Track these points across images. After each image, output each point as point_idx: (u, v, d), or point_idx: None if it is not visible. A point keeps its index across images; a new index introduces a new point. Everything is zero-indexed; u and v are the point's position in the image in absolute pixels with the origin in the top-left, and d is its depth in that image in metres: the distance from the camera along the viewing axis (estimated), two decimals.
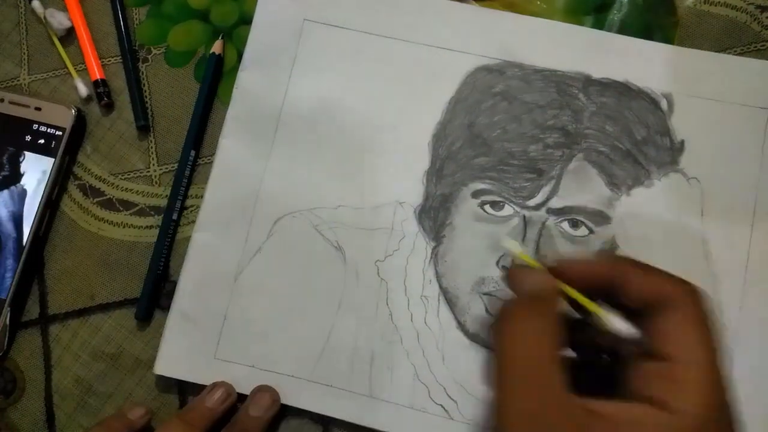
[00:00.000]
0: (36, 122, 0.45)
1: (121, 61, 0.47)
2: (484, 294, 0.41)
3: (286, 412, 0.41)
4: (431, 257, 0.42)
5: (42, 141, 0.45)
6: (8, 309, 0.43)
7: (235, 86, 0.44)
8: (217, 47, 0.45)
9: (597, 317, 0.29)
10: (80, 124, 0.46)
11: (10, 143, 0.45)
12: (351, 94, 0.44)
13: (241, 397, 0.41)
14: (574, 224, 0.41)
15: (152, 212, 0.45)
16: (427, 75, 0.44)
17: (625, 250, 0.41)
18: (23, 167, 0.45)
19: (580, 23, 0.44)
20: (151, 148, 0.46)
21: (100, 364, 0.43)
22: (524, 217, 0.41)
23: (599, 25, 0.44)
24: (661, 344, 0.27)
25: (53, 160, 0.45)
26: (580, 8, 0.45)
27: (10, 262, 0.44)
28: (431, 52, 0.44)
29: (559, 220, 0.41)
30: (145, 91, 0.46)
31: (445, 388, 0.40)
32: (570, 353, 0.32)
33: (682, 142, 0.42)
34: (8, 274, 0.44)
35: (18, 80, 0.48)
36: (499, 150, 0.42)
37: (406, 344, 0.41)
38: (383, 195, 0.43)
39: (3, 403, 0.43)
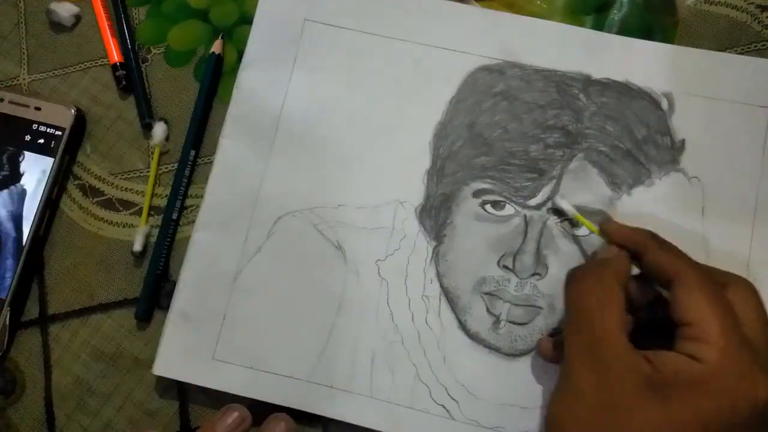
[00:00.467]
0: (36, 122, 0.45)
1: None
2: (485, 294, 0.41)
3: (286, 413, 0.40)
4: (432, 257, 0.42)
5: (42, 141, 0.45)
6: (8, 309, 0.43)
7: (235, 86, 0.44)
8: (216, 47, 0.45)
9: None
10: (80, 123, 0.46)
11: (10, 143, 0.45)
12: (352, 93, 0.44)
13: (239, 400, 0.40)
14: (575, 224, 0.41)
15: (152, 212, 0.45)
16: (428, 75, 0.44)
17: None
18: (23, 167, 0.45)
19: (580, 23, 0.45)
20: (151, 147, 0.45)
21: (100, 364, 0.43)
22: (525, 216, 0.41)
23: (599, 25, 0.44)
24: (680, 313, 0.33)
25: (53, 159, 0.45)
26: (580, 8, 0.45)
27: (9, 262, 0.44)
28: (432, 52, 0.44)
29: (560, 219, 0.41)
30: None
31: (446, 388, 0.40)
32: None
33: (683, 142, 0.42)
34: (8, 274, 0.43)
35: (18, 80, 0.48)
36: (499, 150, 0.42)
37: (407, 344, 0.41)
38: (384, 194, 0.42)
39: (3, 403, 0.43)
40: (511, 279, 0.41)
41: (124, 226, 0.45)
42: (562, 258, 0.41)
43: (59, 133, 0.45)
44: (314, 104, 0.44)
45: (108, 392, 0.42)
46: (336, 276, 0.42)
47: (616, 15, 0.44)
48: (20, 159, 0.45)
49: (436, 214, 0.42)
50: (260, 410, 0.39)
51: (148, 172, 0.45)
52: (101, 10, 0.47)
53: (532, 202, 0.41)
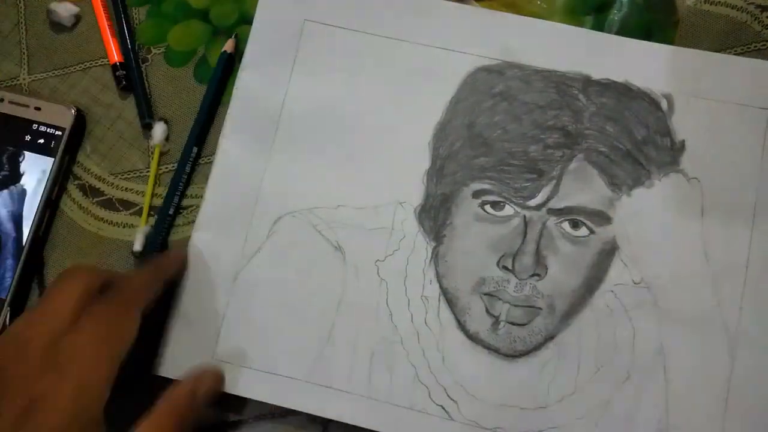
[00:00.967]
0: (36, 122, 0.45)
1: None
2: (485, 294, 0.41)
3: (285, 413, 0.40)
4: (431, 257, 0.42)
5: (42, 141, 0.45)
6: (8, 309, 0.43)
7: (235, 86, 0.44)
8: (228, 46, 0.45)
9: None
10: (80, 123, 0.46)
11: (10, 143, 0.45)
12: (351, 94, 0.44)
13: (239, 399, 0.40)
14: (575, 225, 0.41)
15: (152, 212, 0.45)
16: (427, 75, 0.44)
17: (626, 250, 0.41)
18: (23, 167, 0.45)
19: (580, 23, 0.44)
20: (151, 147, 0.45)
21: None
22: (525, 217, 0.41)
23: (599, 25, 0.44)
24: None
25: (53, 159, 0.45)
26: (580, 8, 0.45)
27: (9, 262, 0.44)
28: (431, 52, 0.44)
29: (560, 220, 0.41)
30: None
31: (445, 389, 0.40)
32: None
33: (683, 143, 0.42)
34: (8, 274, 0.44)
35: (18, 80, 0.48)
36: (499, 150, 0.42)
37: (406, 345, 0.41)
38: (383, 195, 0.42)
39: None
40: (510, 280, 0.41)
41: (124, 226, 0.45)
42: (562, 259, 0.41)
43: (59, 133, 0.45)
44: (314, 104, 0.44)
45: None
46: (335, 276, 0.42)
47: (616, 15, 0.44)
48: (20, 159, 0.45)
49: (435, 214, 0.42)
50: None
51: (148, 172, 0.45)
52: (101, 10, 0.47)
53: (532, 202, 0.41)
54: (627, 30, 0.44)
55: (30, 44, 0.48)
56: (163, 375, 0.41)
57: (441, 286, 0.41)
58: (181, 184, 0.44)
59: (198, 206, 0.44)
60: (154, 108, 0.46)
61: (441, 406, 0.40)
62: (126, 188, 0.45)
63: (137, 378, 0.39)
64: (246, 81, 0.44)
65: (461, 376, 0.40)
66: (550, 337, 0.40)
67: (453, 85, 0.43)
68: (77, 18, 0.48)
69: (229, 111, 0.44)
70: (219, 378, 0.40)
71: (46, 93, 0.47)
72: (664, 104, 0.42)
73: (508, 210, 0.41)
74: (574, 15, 0.45)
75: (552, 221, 0.41)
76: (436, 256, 0.42)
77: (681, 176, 0.41)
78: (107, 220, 0.45)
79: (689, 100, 0.42)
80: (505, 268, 0.41)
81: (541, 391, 0.40)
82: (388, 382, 0.40)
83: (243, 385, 0.40)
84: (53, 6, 0.47)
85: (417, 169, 0.43)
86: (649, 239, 0.41)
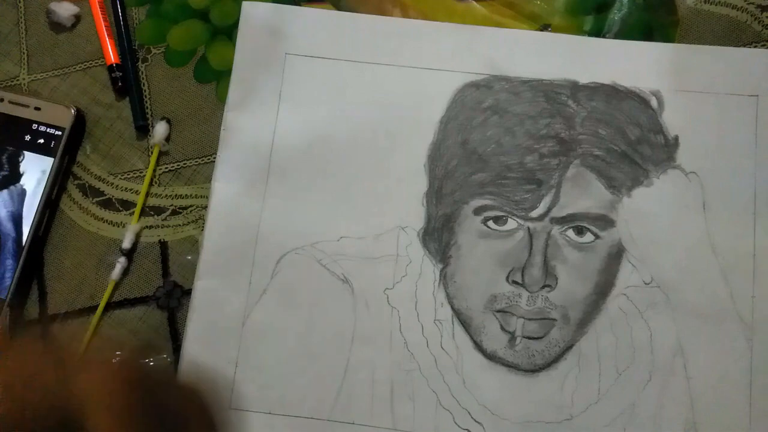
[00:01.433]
0: (35, 122, 0.45)
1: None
2: (498, 311, 0.40)
3: None
4: (440, 280, 0.41)
5: (41, 141, 0.45)
6: (8, 309, 0.43)
7: (222, 128, 0.44)
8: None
9: None
10: (80, 123, 0.46)
11: (10, 143, 0.45)
12: (340, 123, 0.43)
13: None
14: (579, 231, 0.41)
15: (152, 212, 0.45)
16: (415, 97, 0.43)
17: (632, 251, 0.41)
18: (23, 167, 0.45)
19: (580, 23, 0.44)
20: (150, 147, 0.45)
21: None
22: (529, 229, 0.41)
23: (599, 24, 0.44)
24: None
25: (53, 159, 0.45)
26: (580, 8, 0.45)
27: (9, 262, 0.43)
28: (417, 73, 0.44)
29: (564, 228, 0.41)
30: (145, 91, 0.46)
31: (469, 412, 0.39)
32: None
33: (676, 138, 0.42)
34: (8, 274, 0.43)
35: (17, 80, 0.47)
36: (495, 164, 0.42)
37: (425, 371, 0.40)
38: (384, 222, 0.42)
39: None
40: (521, 294, 0.40)
41: (123, 226, 0.45)
42: (571, 267, 0.40)
43: (59, 133, 0.45)
44: (304, 138, 0.43)
45: None
46: (345, 310, 0.41)
47: (616, 15, 0.44)
48: (20, 159, 0.45)
49: (439, 236, 0.42)
50: None
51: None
52: (98, 11, 0.47)
53: (534, 213, 0.41)
54: (627, 30, 0.44)
55: (30, 44, 0.48)
56: None
57: (453, 308, 0.41)
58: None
59: (197, 206, 0.44)
60: (153, 108, 0.46)
61: (467, 429, 0.39)
62: (125, 188, 0.45)
63: None
64: (233, 122, 0.44)
65: (483, 397, 0.40)
66: (568, 348, 0.40)
67: (442, 105, 0.43)
68: (77, 18, 0.48)
69: (218, 154, 0.43)
70: None
71: (46, 93, 0.47)
72: (653, 102, 0.42)
73: (511, 223, 0.41)
74: (574, 15, 0.45)
75: (556, 230, 0.41)
76: (444, 278, 0.41)
77: (679, 172, 0.41)
78: (107, 220, 0.45)
79: (678, 95, 0.42)
80: (515, 282, 0.40)
81: (565, 402, 0.39)
82: (410, 412, 0.40)
83: (265, 431, 0.40)
84: (53, 6, 0.47)
85: (415, 192, 0.42)
86: (654, 238, 0.41)
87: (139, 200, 0.45)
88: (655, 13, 0.44)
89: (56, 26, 0.48)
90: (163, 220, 0.45)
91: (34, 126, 0.45)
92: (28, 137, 0.45)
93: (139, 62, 0.47)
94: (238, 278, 0.42)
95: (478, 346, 0.40)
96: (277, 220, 0.42)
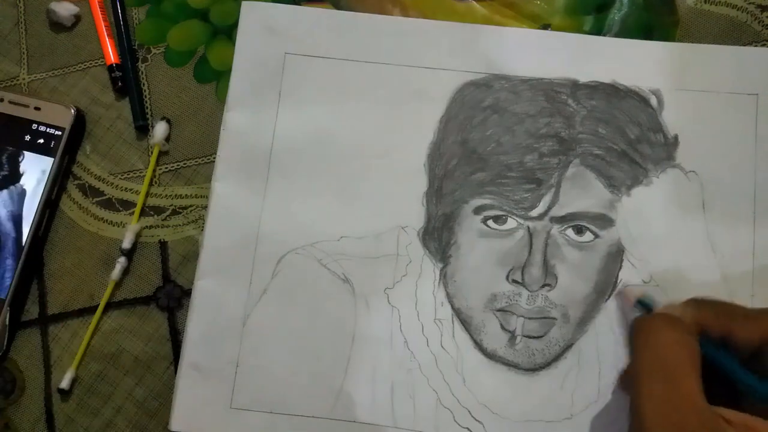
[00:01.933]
0: (35, 122, 0.45)
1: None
2: (498, 310, 0.40)
3: None
4: (440, 279, 0.41)
5: (41, 141, 0.45)
6: (8, 309, 0.43)
7: (222, 128, 0.44)
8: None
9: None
10: (80, 123, 0.46)
11: (10, 143, 0.45)
12: (340, 123, 0.43)
13: None
14: (579, 230, 0.41)
15: (152, 212, 0.45)
16: (415, 96, 0.43)
17: (632, 250, 0.41)
18: (23, 167, 0.45)
19: (580, 23, 0.44)
20: (150, 147, 0.45)
21: (100, 364, 0.43)
22: (528, 228, 0.41)
23: (599, 24, 0.44)
24: None
25: (53, 159, 0.45)
26: (580, 8, 0.45)
27: (9, 262, 0.44)
28: (416, 72, 0.44)
29: (564, 228, 0.41)
30: (145, 91, 0.46)
31: (469, 411, 0.40)
32: None
33: (676, 137, 0.42)
34: (8, 274, 0.43)
35: (17, 80, 0.48)
36: (495, 164, 0.42)
37: (425, 370, 0.40)
38: (385, 221, 0.42)
39: (3, 403, 0.43)
40: (521, 293, 0.40)
41: (123, 226, 0.45)
42: (570, 266, 0.40)
43: (59, 133, 0.45)
44: (304, 137, 0.43)
45: (108, 392, 0.43)
46: (346, 309, 0.41)
47: (616, 15, 0.44)
48: (20, 159, 0.45)
49: (439, 235, 0.42)
50: None
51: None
52: (98, 11, 0.47)
53: (534, 212, 0.41)
54: (627, 30, 0.44)
55: (30, 44, 0.48)
56: (177, 430, 0.40)
57: (453, 307, 0.41)
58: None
59: (197, 206, 0.44)
60: (153, 108, 0.46)
61: (467, 428, 0.39)
62: (125, 188, 0.45)
63: None
64: (233, 121, 0.44)
65: (484, 396, 0.40)
66: (568, 346, 0.40)
67: (442, 104, 0.43)
68: (77, 18, 0.48)
69: (218, 153, 0.43)
70: None
71: (45, 93, 0.47)
72: (653, 100, 0.42)
73: (511, 223, 0.41)
74: (574, 15, 0.45)
75: (556, 229, 0.41)
76: (444, 277, 0.41)
77: (678, 171, 0.41)
78: (107, 220, 0.45)
79: (678, 93, 0.42)
80: (515, 281, 0.41)
81: (565, 401, 0.39)
82: (411, 410, 0.40)
83: (265, 430, 0.40)
84: (53, 6, 0.47)
85: (415, 191, 0.42)
86: (654, 237, 0.41)
87: (139, 200, 0.45)
88: (655, 13, 0.44)
89: (56, 26, 0.48)
90: (163, 220, 0.45)
91: (34, 126, 0.45)
92: (28, 137, 0.45)
93: (139, 62, 0.47)
94: (239, 278, 0.42)
95: (478, 345, 0.40)
96: (277, 219, 0.42)
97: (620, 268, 0.41)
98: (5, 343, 0.43)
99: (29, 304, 0.44)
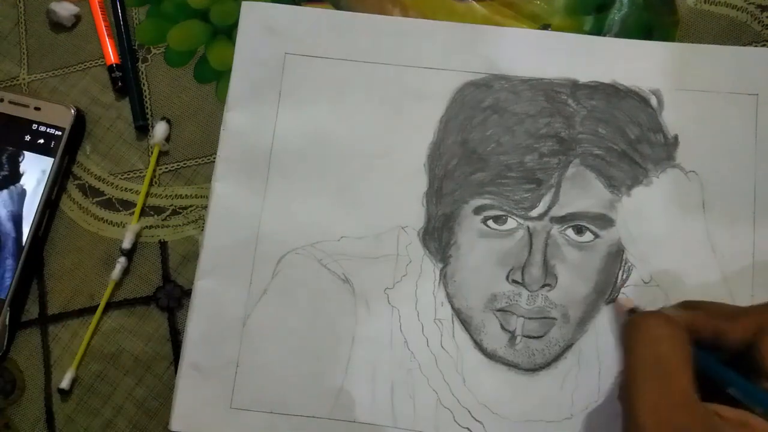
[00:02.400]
0: (35, 122, 0.45)
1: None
2: (498, 310, 0.40)
3: None
4: (440, 279, 0.41)
5: (41, 141, 0.45)
6: (8, 309, 0.43)
7: (222, 127, 0.44)
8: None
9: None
10: (80, 123, 0.46)
11: (10, 143, 0.45)
12: (340, 123, 0.43)
13: None
14: (579, 231, 0.41)
15: (152, 212, 0.45)
16: (415, 96, 0.43)
17: (632, 250, 0.41)
18: (23, 167, 0.45)
19: (581, 23, 0.44)
20: (151, 147, 0.45)
21: (100, 364, 0.43)
22: (528, 228, 0.41)
23: (599, 24, 0.44)
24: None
25: (53, 159, 0.45)
26: (580, 8, 0.45)
27: (9, 262, 0.44)
28: (416, 73, 0.44)
29: (564, 228, 0.41)
30: (145, 91, 0.46)
31: (469, 411, 0.40)
32: None
33: (676, 137, 0.42)
34: (8, 274, 0.44)
35: (17, 80, 0.48)
36: (495, 164, 0.42)
37: (425, 370, 0.40)
38: (385, 221, 0.42)
39: (2, 403, 0.43)
40: (521, 293, 0.40)
41: (123, 226, 0.45)
42: (570, 266, 0.40)
43: (59, 133, 0.45)
44: (304, 137, 0.43)
45: (108, 392, 0.43)
46: (346, 309, 0.41)
47: (616, 15, 0.44)
48: (20, 159, 0.45)
49: (439, 235, 0.42)
50: None
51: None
52: (98, 11, 0.47)
53: (534, 213, 0.41)
54: (627, 30, 0.44)
55: (30, 44, 0.48)
56: (177, 430, 0.40)
57: (453, 307, 0.41)
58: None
59: (197, 206, 0.44)
60: (153, 108, 0.46)
61: (467, 428, 0.39)
62: (125, 188, 0.45)
63: None
64: (233, 121, 0.44)
65: (484, 396, 0.40)
66: (568, 347, 0.40)
67: (442, 104, 0.43)
68: (77, 18, 0.48)
69: (218, 153, 0.43)
70: None
71: (45, 93, 0.47)
72: (653, 100, 0.42)
73: (511, 223, 0.41)
74: (574, 15, 0.45)
75: (556, 229, 0.41)
76: (444, 277, 0.41)
77: (678, 171, 0.41)
78: (107, 220, 0.45)
79: (678, 93, 0.42)
80: (515, 281, 0.41)
81: (566, 401, 0.39)
82: (411, 410, 0.40)
83: (265, 430, 0.40)
84: (53, 6, 0.47)
85: (415, 191, 0.42)
86: (654, 237, 0.41)
87: (139, 200, 0.45)
88: (655, 13, 0.44)
89: (56, 26, 0.48)
90: (163, 220, 0.45)
91: (34, 126, 0.45)
92: (28, 137, 0.45)
93: (139, 62, 0.47)
94: (239, 278, 0.42)
95: (478, 345, 0.40)
96: (277, 219, 0.42)
97: (620, 268, 0.41)
98: (5, 343, 0.43)
99: (29, 304, 0.44)
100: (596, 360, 0.40)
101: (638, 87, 0.42)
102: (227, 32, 0.46)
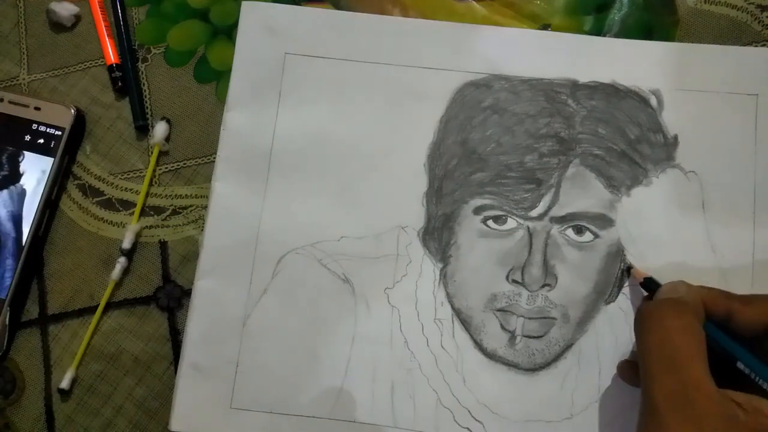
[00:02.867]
0: (35, 122, 0.45)
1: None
2: (498, 310, 0.40)
3: None
4: (440, 279, 0.41)
5: (41, 141, 0.45)
6: (8, 309, 0.43)
7: (222, 127, 0.44)
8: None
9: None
10: (79, 123, 0.46)
11: (10, 143, 0.45)
12: (340, 123, 0.43)
13: None
14: (579, 230, 0.41)
15: (152, 212, 0.45)
16: (415, 96, 0.43)
17: (632, 250, 0.41)
18: (23, 167, 0.45)
19: (581, 23, 0.44)
20: (150, 147, 0.45)
21: (100, 364, 0.43)
22: (528, 228, 0.41)
23: (599, 24, 0.44)
24: None
25: (53, 159, 0.45)
26: (580, 8, 0.45)
27: (9, 262, 0.44)
28: (416, 73, 0.44)
29: (563, 228, 0.41)
30: (145, 91, 0.46)
31: (469, 411, 0.40)
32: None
33: (676, 137, 0.42)
34: (8, 274, 0.44)
35: (17, 80, 0.48)
36: (495, 164, 0.42)
37: (425, 370, 0.40)
38: (385, 221, 0.42)
39: (2, 403, 0.43)
40: (521, 293, 0.40)
41: (123, 226, 0.45)
42: (570, 266, 0.40)
43: (59, 133, 0.45)
44: (304, 137, 0.43)
45: (108, 392, 0.43)
46: (346, 309, 0.41)
47: (616, 15, 0.44)
48: (20, 159, 0.45)
49: (439, 235, 0.42)
50: None
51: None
52: (98, 11, 0.47)
53: (534, 213, 0.41)
54: (627, 30, 0.44)
55: (30, 44, 0.48)
56: (177, 430, 0.40)
57: (453, 307, 0.41)
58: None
59: (196, 206, 0.44)
60: (153, 108, 0.46)
61: (467, 428, 0.39)
62: (125, 188, 0.45)
63: None
64: (233, 121, 0.44)
65: (484, 395, 0.40)
66: (567, 346, 0.40)
67: (442, 104, 0.43)
68: (77, 18, 0.48)
69: (218, 153, 0.43)
70: None
71: (45, 93, 0.47)
72: (653, 101, 0.42)
73: (511, 223, 0.41)
74: (574, 15, 0.45)
75: (556, 229, 0.41)
76: (444, 277, 0.41)
77: (678, 171, 0.41)
78: (107, 220, 0.45)
79: (678, 94, 0.42)
80: (515, 281, 0.41)
81: (565, 401, 0.39)
82: (411, 410, 0.40)
83: (265, 430, 0.40)
84: (53, 6, 0.47)
85: (415, 191, 0.42)
86: (653, 237, 0.41)
87: (139, 200, 0.45)
88: (655, 13, 0.44)
89: (56, 26, 0.48)
90: (163, 220, 0.45)
91: (34, 126, 0.45)
92: (28, 137, 0.45)
93: (139, 62, 0.47)
94: (239, 278, 0.42)
95: (478, 345, 0.40)
96: (278, 219, 0.42)
97: (620, 268, 0.41)
98: (5, 343, 0.43)
99: (29, 304, 0.44)
100: (596, 360, 0.40)
101: (638, 87, 0.42)
102: (227, 32, 0.46)
